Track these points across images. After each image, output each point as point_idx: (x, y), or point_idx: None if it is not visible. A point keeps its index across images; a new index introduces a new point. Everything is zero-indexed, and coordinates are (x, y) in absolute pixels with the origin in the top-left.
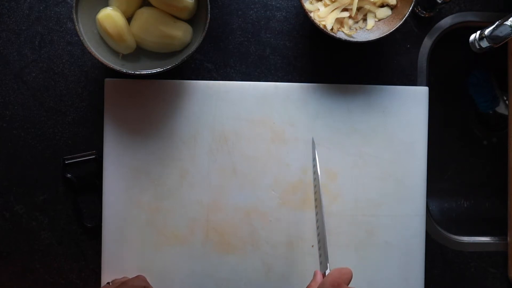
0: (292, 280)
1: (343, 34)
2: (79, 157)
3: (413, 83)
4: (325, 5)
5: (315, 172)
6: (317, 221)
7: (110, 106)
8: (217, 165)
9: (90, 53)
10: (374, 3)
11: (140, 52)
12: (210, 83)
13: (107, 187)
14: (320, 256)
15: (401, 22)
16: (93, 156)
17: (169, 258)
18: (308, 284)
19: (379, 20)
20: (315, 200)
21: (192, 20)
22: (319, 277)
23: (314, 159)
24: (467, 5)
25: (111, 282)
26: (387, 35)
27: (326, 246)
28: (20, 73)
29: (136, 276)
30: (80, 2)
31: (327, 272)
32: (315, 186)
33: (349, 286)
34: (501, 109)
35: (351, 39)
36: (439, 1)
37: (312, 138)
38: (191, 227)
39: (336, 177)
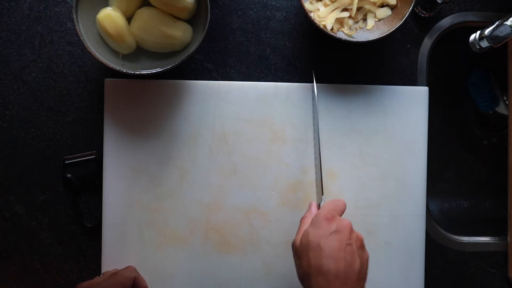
0: (292, 280)
1: (343, 34)
2: (79, 157)
3: (413, 83)
4: (325, 5)
5: (314, 105)
6: (314, 154)
7: (110, 106)
8: (217, 165)
9: (90, 53)
10: (374, 3)
11: (140, 52)
12: (210, 83)
13: (107, 187)
14: (316, 187)
15: (401, 22)
16: (93, 156)
17: (169, 258)
18: (303, 215)
19: (379, 20)
20: (314, 131)
21: (192, 20)
22: (314, 208)
23: (313, 93)
24: (467, 5)
25: (102, 274)
26: (387, 35)
27: (321, 178)
28: (20, 73)
29: (126, 267)
30: (80, 2)
31: (322, 203)
32: (314, 118)
33: (341, 217)
34: (501, 109)
35: (351, 39)
36: (439, 1)
37: (313, 72)
38: (191, 227)
39: (336, 177)
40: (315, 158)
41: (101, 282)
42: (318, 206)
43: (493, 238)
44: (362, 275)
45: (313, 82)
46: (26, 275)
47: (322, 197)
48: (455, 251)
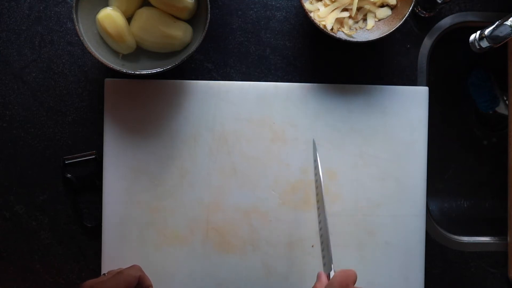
0: (292, 280)
1: (343, 34)
2: (79, 157)
3: (413, 83)
4: (325, 5)
5: (316, 174)
6: (319, 223)
7: (110, 106)
8: (217, 165)
9: (90, 53)
10: (374, 3)
11: (140, 52)
12: (210, 83)
13: (107, 187)
14: (323, 257)
15: (401, 22)
16: (93, 156)
17: (169, 258)
18: (313, 285)
19: (379, 20)
20: (317, 201)
21: (192, 20)
22: (324, 278)
23: (315, 161)
24: (467, 5)
25: (107, 273)
26: (387, 35)
27: (329, 247)
28: (20, 73)
29: (131, 266)
30: (80, 2)
31: (331, 273)
32: (317, 188)
33: (355, 286)
34: (501, 109)
35: (351, 39)
36: (439, 1)
37: (313, 140)
38: (191, 227)
39: (336, 177)
40: (320, 228)
41: (106, 281)
42: (328, 277)
43: (493, 238)
44: None
45: (314, 147)
46: (26, 275)
47: (332, 265)
48: (455, 251)
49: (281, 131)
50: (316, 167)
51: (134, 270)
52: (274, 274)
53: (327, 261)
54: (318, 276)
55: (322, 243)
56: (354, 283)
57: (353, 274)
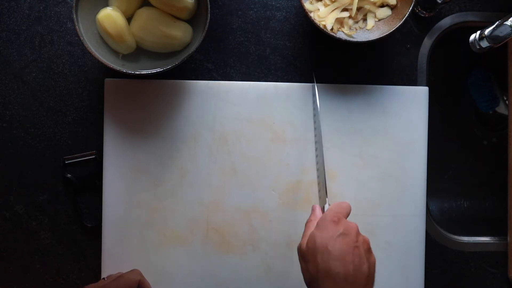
0: (292, 280)
1: (343, 34)
2: (79, 157)
3: (413, 83)
4: (325, 5)
5: (315, 108)
6: (316, 157)
7: (110, 106)
8: (217, 165)
9: (90, 53)
10: (374, 3)
11: (140, 52)
12: (210, 83)
13: (107, 187)
14: (319, 191)
15: (401, 22)
16: (93, 156)
17: (169, 258)
18: (307, 219)
19: (379, 20)
20: (315, 136)
21: (192, 20)
22: (318, 211)
23: (314, 95)
24: (467, 5)
25: (106, 277)
26: (387, 35)
27: (325, 181)
28: (20, 73)
29: (131, 270)
30: (80, 2)
31: (326, 206)
32: (315, 122)
33: (347, 219)
34: (501, 109)
35: (351, 39)
36: (439, 1)
37: (313, 74)
38: (191, 227)
39: (336, 177)
40: (317, 162)
41: (106, 285)
42: (322, 210)
43: (493, 238)
44: (370, 279)
45: (313, 82)
46: (26, 275)
47: (326, 199)
48: (455, 251)
49: (281, 131)
50: (314, 102)
51: (134, 274)
52: (274, 274)
53: (322, 195)
54: (312, 209)
55: (318, 177)
56: (347, 215)
57: (347, 207)
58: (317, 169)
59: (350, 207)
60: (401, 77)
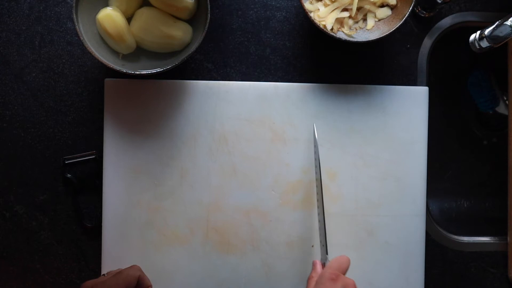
0: (292, 280)
1: (343, 34)
2: (79, 157)
3: (413, 83)
4: (325, 5)
5: (316, 159)
6: (318, 213)
7: (110, 106)
8: (217, 165)
9: (90, 53)
10: (374, 3)
11: (140, 52)
12: (210, 83)
13: (107, 187)
14: (321, 247)
15: (401, 22)
16: (93, 156)
17: (169, 258)
18: (309, 275)
19: (379, 20)
20: (317, 189)
21: (192, 20)
22: (318, 267)
23: (315, 146)
24: (467, 5)
25: (106, 273)
26: (387, 35)
27: (325, 236)
28: (20, 73)
29: (130, 266)
30: (80, 2)
31: (327, 262)
32: (316, 173)
33: (345, 275)
34: (501, 109)
35: (351, 39)
36: (439, 1)
37: (313, 125)
38: (191, 227)
39: (336, 177)
40: (318, 214)
41: (105, 281)
42: (323, 265)
43: (493, 238)
44: None
45: (314, 134)
46: (26, 275)
47: (327, 256)
48: (455, 251)
49: (281, 131)
50: (316, 152)
51: (133, 270)
52: (274, 274)
53: (323, 252)
54: (313, 265)
55: (319, 229)
56: (346, 271)
57: (345, 261)
58: (318, 221)
59: (349, 262)
60: (401, 77)
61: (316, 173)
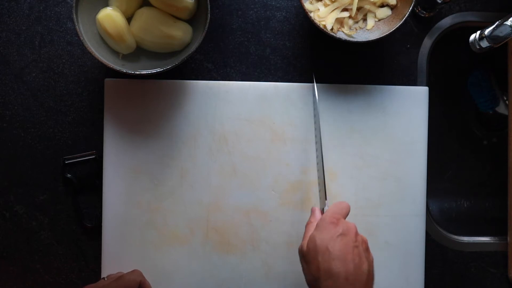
0: (292, 280)
1: (343, 34)
2: (79, 157)
3: (413, 83)
4: (325, 5)
5: (315, 108)
6: (316, 157)
7: (110, 106)
8: (217, 165)
9: (90, 53)
10: (374, 3)
11: (140, 52)
12: (210, 83)
13: (107, 187)
14: (319, 192)
15: (401, 22)
16: (93, 156)
17: (169, 258)
18: (308, 220)
19: (379, 20)
20: (315, 136)
21: (192, 20)
22: (317, 212)
23: (314, 95)
24: (467, 5)
25: (106, 277)
26: (387, 35)
27: (324, 183)
28: (20, 73)
29: (131, 271)
30: (80, 2)
31: (326, 208)
32: (315, 122)
33: (346, 219)
34: (501, 109)
35: (351, 39)
36: (439, 1)
37: (313, 74)
38: (191, 227)
39: (336, 177)
40: (317, 163)
41: (106, 285)
42: (322, 211)
43: (493, 238)
44: (370, 277)
45: (313, 83)
46: (26, 275)
47: (326, 201)
48: (455, 251)
49: (281, 131)
50: (315, 102)
51: (135, 275)
52: (274, 274)
53: (321, 196)
54: (312, 211)
55: (318, 178)
56: (346, 215)
57: (345, 207)
58: (317, 170)
59: (349, 207)
60: (401, 77)
61: (315, 122)
